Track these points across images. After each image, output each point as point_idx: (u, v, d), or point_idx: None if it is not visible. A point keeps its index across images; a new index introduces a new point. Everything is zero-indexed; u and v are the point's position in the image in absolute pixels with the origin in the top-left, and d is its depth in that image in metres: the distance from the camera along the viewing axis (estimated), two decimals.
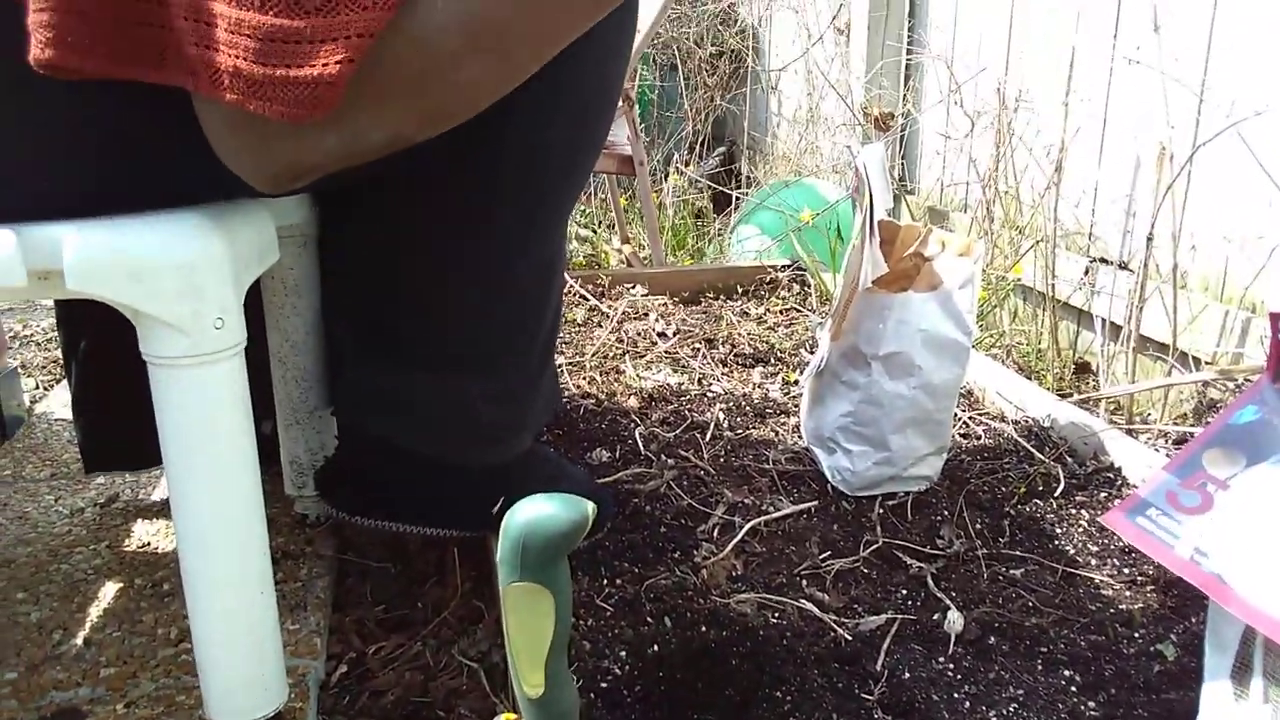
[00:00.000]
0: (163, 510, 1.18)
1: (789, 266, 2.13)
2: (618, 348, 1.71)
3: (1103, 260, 1.85)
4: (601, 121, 0.92)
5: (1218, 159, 1.58)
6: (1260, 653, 0.68)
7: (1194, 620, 0.97)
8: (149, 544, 1.10)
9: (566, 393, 1.50)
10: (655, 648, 0.90)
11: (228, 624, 0.74)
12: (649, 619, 0.96)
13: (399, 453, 0.98)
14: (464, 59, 0.62)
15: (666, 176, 2.97)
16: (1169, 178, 1.54)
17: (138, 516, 1.16)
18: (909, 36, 2.41)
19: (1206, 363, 1.60)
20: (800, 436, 1.35)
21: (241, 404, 0.71)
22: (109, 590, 1.01)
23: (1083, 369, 1.94)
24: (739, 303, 2.02)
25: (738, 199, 2.77)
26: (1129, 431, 1.36)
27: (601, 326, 1.81)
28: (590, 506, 0.48)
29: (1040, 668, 0.91)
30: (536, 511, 0.47)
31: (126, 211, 0.67)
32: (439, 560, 1.05)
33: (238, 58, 0.58)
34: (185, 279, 0.65)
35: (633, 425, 1.39)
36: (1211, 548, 0.69)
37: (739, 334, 1.80)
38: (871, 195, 1.11)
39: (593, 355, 1.66)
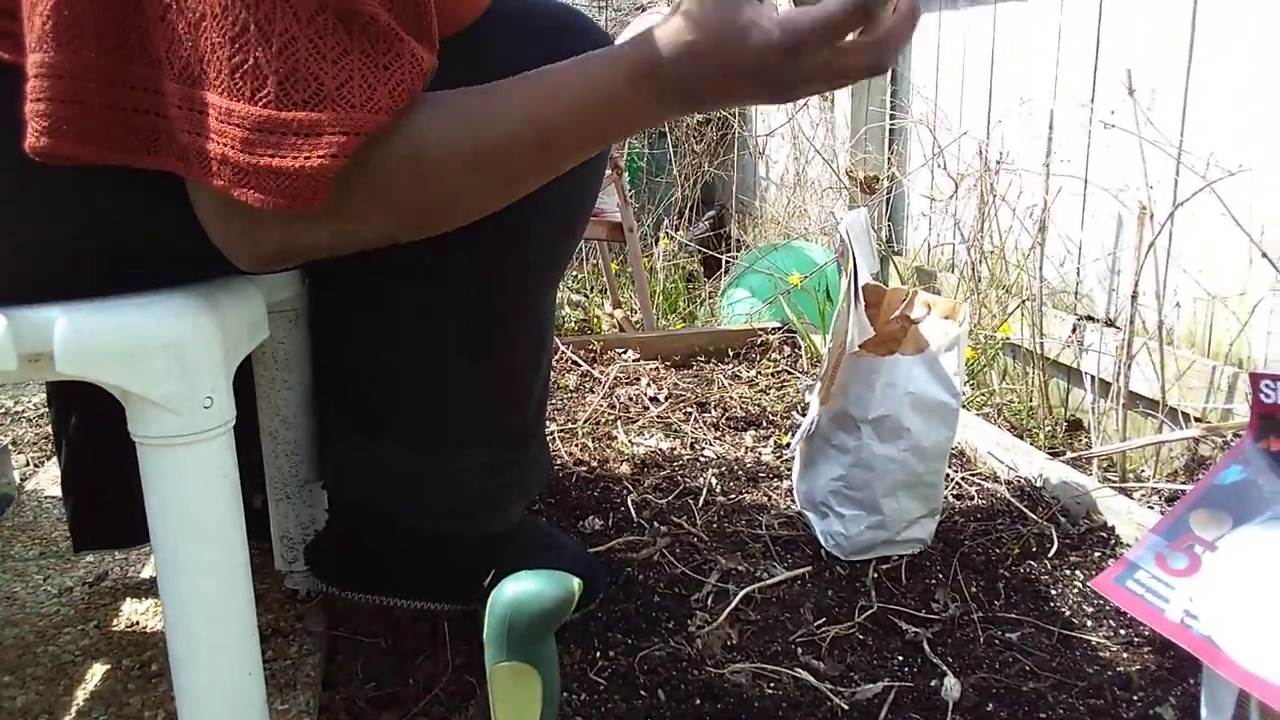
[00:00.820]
0: (152, 588, 1.17)
1: (779, 329, 2.15)
2: (610, 413, 1.71)
3: (1089, 318, 1.87)
4: (589, 194, 0.93)
5: (1198, 217, 1.61)
6: (1255, 715, 0.68)
7: (1192, 681, 0.96)
8: (138, 623, 1.09)
9: (559, 460, 1.50)
10: None
11: (215, 707, 0.73)
12: (643, 692, 0.95)
13: (390, 526, 0.98)
14: (463, 179, 0.64)
15: (657, 241, 3.00)
16: (1150, 236, 1.56)
17: (126, 595, 1.15)
18: (891, 102, 2.46)
19: (1196, 419, 1.61)
20: (793, 500, 1.35)
21: (230, 483, 0.71)
22: (96, 672, 1.00)
23: (1074, 426, 1.95)
24: (730, 366, 2.03)
25: (727, 262, 2.80)
26: (1121, 490, 1.36)
27: (594, 392, 1.82)
28: (576, 582, 0.48)
29: None
30: (521, 589, 0.47)
31: (116, 293, 0.68)
32: (431, 634, 1.04)
33: (226, 146, 0.59)
34: (174, 359, 0.66)
35: (625, 492, 1.39)
36: (1201, 610, 0.69)
37: (731, 397, 1.81)
38: (855, 261, 1.13)
39: (585, 422, 1.66)
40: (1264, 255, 1.47)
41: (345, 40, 0.59)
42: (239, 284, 0.77)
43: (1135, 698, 0.95)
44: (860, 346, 1.14)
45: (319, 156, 0.58)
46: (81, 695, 0.95)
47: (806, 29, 0.61)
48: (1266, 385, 0.75)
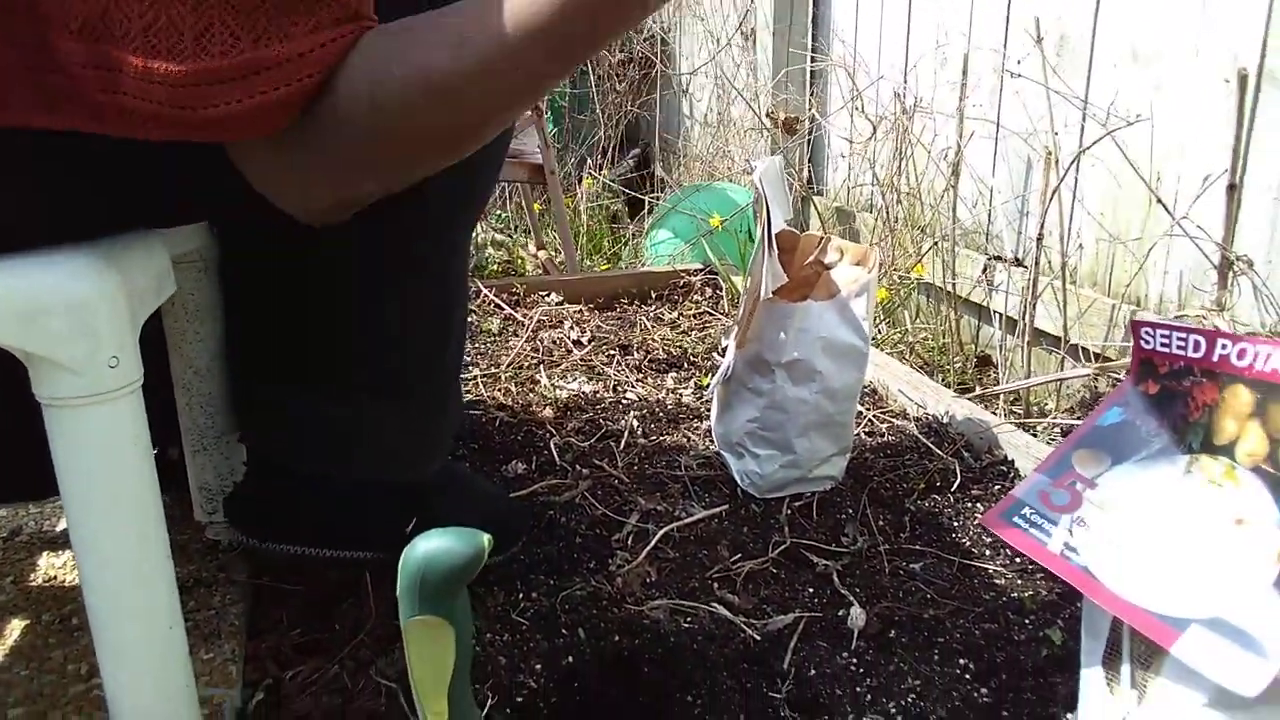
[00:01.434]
0: (68, 542, 1.16)
1: (701, 270, 2.17)
2: (533, 357, 1.72)
3: (999, 258, 1.93)
4: (494, 155, 0.94)
5: (1101, 163, 1.66)
6: (1127, 640, 0.73)
7: (1078, 606, 1.03)
8: (55, 577, 1.08)
9: (482, 405, 1.52)
10: (570, 659, 0.92)
11: (137, 659, 0.74)
12: (564, 631, 0.98)
13: (309, 478, 0.98)
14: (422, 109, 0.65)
15: (580, 181, 2.98)
16: (1055, 181, 1.62)
17: (43, 549, 1.14)
18: (813, 44, 2.47)
19: (1096, 354, 1.68)
20: (711, 441, 1.38)
21: (140, 442, 0.71)
22: (15, 627, 0.99)
23: (984, 362, 2.02)
24: (653, 308, 2.05)
25: (651, 203, 2.81)
26: (1022, 425, 1.43)
27: (517, 336, 1.83)
28: (485, 538, 0.50)
29: (937, 658, 0.96)
30: (432, 547, 0.49)
31: (14, 249, 0.67)
32: (354, 582, 1.06)
33: (154, 103, 0.59)
34: (77, 320, 0.65)
35: (548, 436, 1.41)
36: (1080, 543, 0.74)
37: (653, 339, 1.83)
38: (769, 208, 1.15)
39: (508, 366, 1.67)
40: (1158, 200, 1.53)
41: None
42: (142, 239, 0.76)
43: (1027, 621, 1.01)
44: (774, 292, 1.16)
45: (247, 100, 0.59)
46: (1, 650, 0.95)
47: None
48: (1146, 331, 0.79)
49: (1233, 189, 1.43)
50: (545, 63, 0.63)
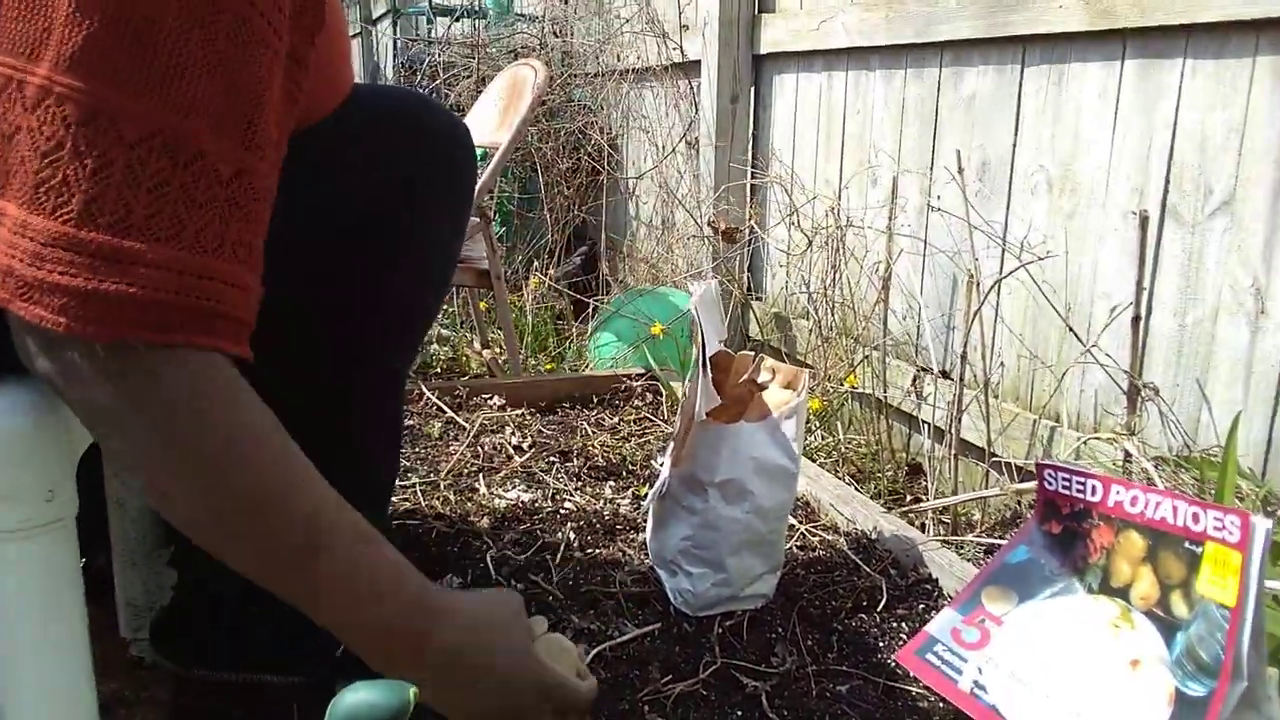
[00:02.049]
0: None
1: (643, 375, 2.21)
2: (473, 464, 1.74)
3: (926, 370, 2.00)
4: (433, 304, 0.99)
5: (1020, 289, 1.76)
6: None
7: None
8: None
9: (419, 514, 1.52)
10: None
11: None
12: None
13: (237, 601, 0.98)
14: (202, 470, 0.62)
15: (528, 279, 3.04)
16: (976, 303, 1.70)
17: None
18: (752, 160, 2.58)
19: (1019, 467, 1.75)
20: (646, 556, 1.40)
21: (70, 574, 0.72)
22: None
23: (915, 470, 2.08)
24: (594, 412, 2.08)
25: (595, 306, 2.86)
26: (946, 542, 1.47)
27: (458, 440, 1.84)
28: (412, 690, 0.51)
29: None
30: (359, 700, 0.50)
31: None
32: (284, 707, 1.05)
33: (14, 258, 0.57)
34: (14, 453, 0.66)
35: (485, 548, 1.42)
36: (989, 681, 0.77)
37: (593, 445, 1.86)
38: (704, 332, 1.20)
39: (447, 473, 1.68)
40: (1070, 329, 1.62)
41: (167, 170, 0.58)
42: None
43: None
44: (708, 414, 1.20)
45: (124, 284, 0.56)
46: None
47: None
48: (1049, 474, 0.84)
49: (1137, 320, 1.52)
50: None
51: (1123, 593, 0.76)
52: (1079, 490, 0.81)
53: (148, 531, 1.05)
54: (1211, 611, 0.69)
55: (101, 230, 0.56)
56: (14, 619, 0.70)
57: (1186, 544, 0.72)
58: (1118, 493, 0.78)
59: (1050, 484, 0.84)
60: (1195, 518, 0.72)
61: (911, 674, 1.16)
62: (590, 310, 2.89)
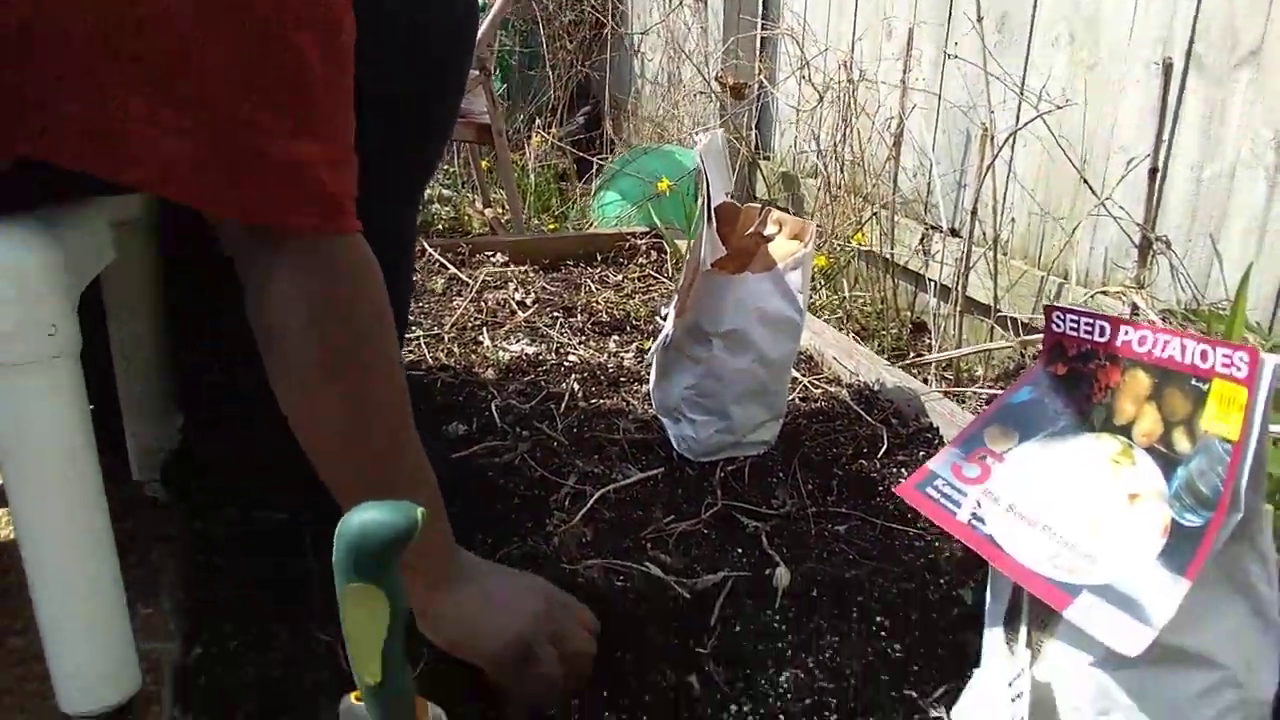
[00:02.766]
0: (3, 499, 1.16)
1: (648, 234, 2.19)
2: (477, 318, 1.74)
3: (935, 228, 1.98)
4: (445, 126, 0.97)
5: (1035, 141, 1.71)
6: (1026, 604, 0.79)
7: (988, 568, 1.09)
8: None
9: (424, 365, 1.53)
10: None
11: (74, 616, 0.75)
12: None
13: (246, 442, 1.00)
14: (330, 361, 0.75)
15: (529, 138, 2.97)
16: (990, 156, 1.66)
17: None
18: (763, 12, 2.48)
19: (1024, 324, 1.75)
20: (650, 405, 1.42)
21: (78, 405, 0.72)
22: None
23: (919, 329, 2.08)
24: (599, 270, 2.07)
25: (599, 164, 2.81)
26: (948, 394, 1.48)
27: (461, 296, 1.84)
28: (420, 511, 0.52)
29: (856, 616, 1.01)
30: (366, 518, 0.51)
31: None
32: (295, 541, 1.07)
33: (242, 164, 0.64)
34: (14, 289, 0.66)
35: (490, 398, 1.43)
36: (987, 514, 0.79)
37: (597, 302, 1.85)
38: (709, 182, 1.17)
39: (451, 327, 1.68)
40: (1085, 181, 1.58)
41: (335, 77, 0.67)
42: (81, 207, 0.76)
43: (941, 581, 1.07)
44: (712, 264, 1.19)
45: (336, 182, 0.67)
46: None
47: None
48: (1058, 316, 0.84)
49: (1154, 172, 1.48)
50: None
51: (1125, 430, 0.77)
52: (1087, 331, 0.81)
53: (154, 381, 1.06)
54: (1214, 446, 0.70)
55: (318, 138, 0.66)
56: (25, 451, 0.71)
57: (1193, 381, 0.72)
58: (1125, 333, 0.78)
59: (1058, 326, 0.83)
60: (1203, 355, 0.72)
61: (910, 511, 1.19)
62: (594, 169, 2.84)
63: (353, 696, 0.79)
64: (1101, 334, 0.80)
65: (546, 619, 0.85)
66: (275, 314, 0.72)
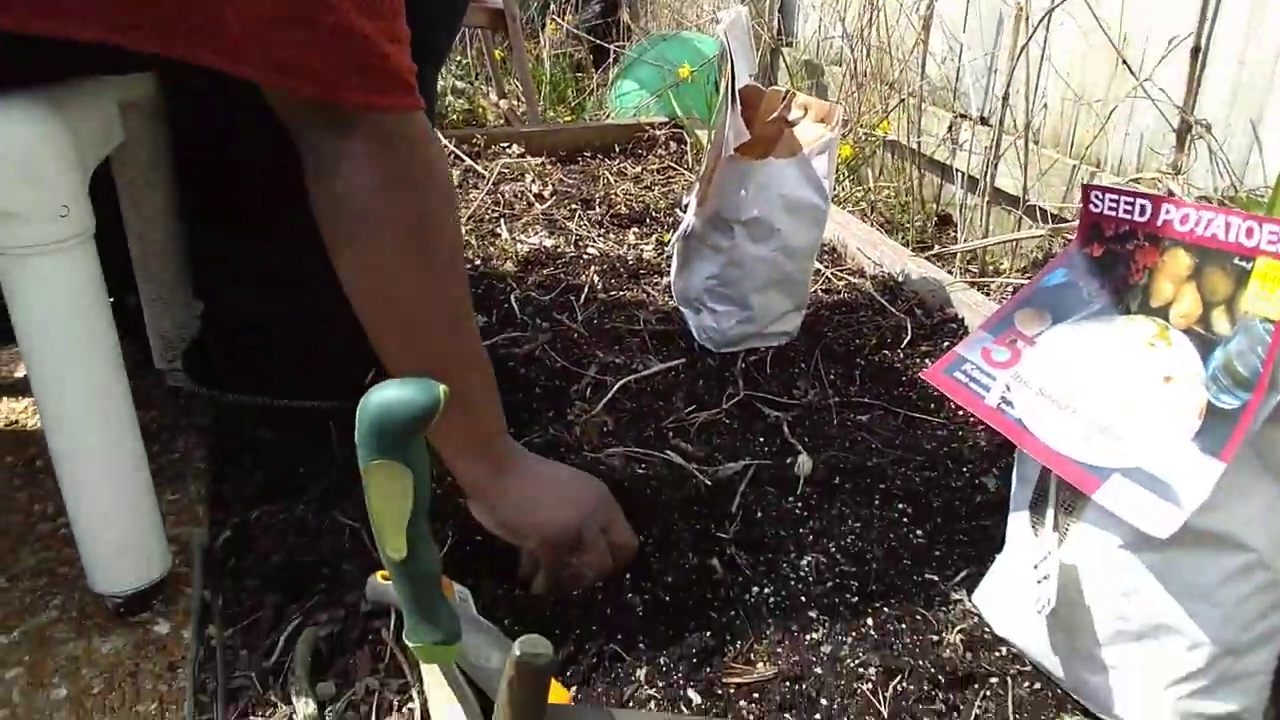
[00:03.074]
0: (27, 387, 1.16)
1: (667, 124, 2.13)
2: (494, 210, 1.71)
3: (964, 116, 1.91)
4: None
5: (1071, 22, 1.64)
6: (1054, 487, 0.78)
7: (1014, 456, 1.08)
8: (16, 421, 1.09)
9: None
10: None
11: (102, 500, 0.76)
12: None
13: (264, 330, 0.99)
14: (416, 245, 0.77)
15: (544, 27, 2.88)
16: (1024, 38, 1.59)
17: (1, 395, 1.15)
18: None
19: (1053, 215, 1.70)
20: (671, 296, 1.40)
21: (95, 288, 0.71)
22: None
23: (945, 221, 2.04)
24: (617, 162, 2.03)
25: (616, 53, 2.72)
26: (974, 284, 1.46)
27: (477, 188, 1.80)
28: (442, 389, 0.51)
29: (878, 503, 1.01)
30: (389, 395, 0.50)
31: None
32: (318, 429, 1.08)
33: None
34: (24, 168, 0.64)
35: (509, 289, 1.41)
36: (1016, 397, 0.77)
37: (616, 194, 1.82)
38: (734, 63, 1.13)
39: (468, 219, 1.66)
40: (1123, 61, 1.52)
41: None
42: (88, 86, 0.74)
43: (964, 469, 1.07)
44: (736, 150, 1.16)
45: (401, 59, 0.68)
46: None
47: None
48: (1096, 195, 0.81)
49: (1196, 52, 1.42)
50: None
51: (1162, 312, 0.74)
52: (1126, 211, 0.78)
53: (171, 264, 1.05)
54: (1254, 327, 0.68)
55: (378, 15, 0.66)
56: (44, 335, 0.70)
57: (1236, 260, 0.70)
58: (1167, 211, 0.75)
59: (1096, 205, 0.80)
60: (1249, 232, 0.69)
61: (934, 401, 1.18)
62: (611, 58, 2.75)
63: (379, 576, 0.80)
64: (1142, 213, 0.77)
65: (602, 510, 0.87)
66: (349, 185, 0.72)
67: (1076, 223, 1.56)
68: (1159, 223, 0.76)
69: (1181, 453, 0.68)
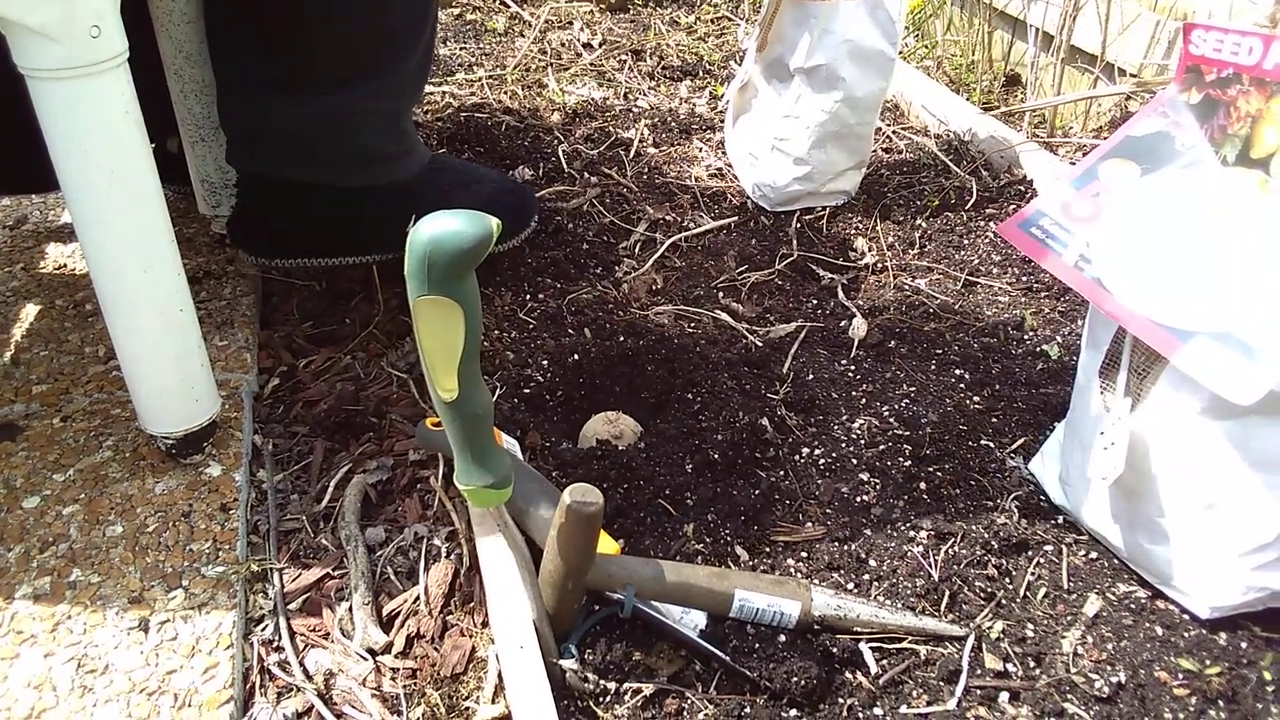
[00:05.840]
0: (75, 233, 1.16)
1: None
2: (540, 60, 1.64)
3: None
4: None
5: None
6: (1128, 351, 0.74)
7: (1080, 324, 1.04)
8: (65, 265, 1.09)
9: (487, 108, 1.46)
10: (575, 356, 0.94)
11: (150, 341, 0.75)
12: (570, 330, 0.99)
13: (302, 190, 0.96)
14: None
15: None
16: None
17: (49, 239, 1.14)
18: None
19: (1131, 74, 1.60)
20: (724, 153, 1.34)
21: (132, 118, 0.68)
22: (30, 312, 1.01)
23: (1013, 81, 1.92)
24: (669, 10, 1.93)
25: None
26: (1045, 144, 1.38)
27: (523, 36, 1.73)
28: (494, 222, 0.48)
29: (934, 367, 0.98)
30: (440, 228, 0.47)
31: None
32: (363, 279, 1.06)
33: None
34: None
35: (556, 142, 1.37)
36: (1095, 254, 0.73)
37: (667, 45, 1.74)
38: None
39: (514, 69, 1.59)
40: None
41: None
42: None
43: (1026, 337, 1.03)
44: None
45: None
46: (19, 332, 0.97)
47: None
48: (1198, 35, 0.74)
49: None
50: None
51: (1263, 164, 0.69)
52: (1232, 52, 0.71)
53: (210, 102, 1.01)
54: None
55: None
56: (80, 165, 0.67)
57: None
58: (1278, 52, 0.68)
59: (1197, 46, 0.73)
60: None
61: (996, 266, 1.13)
62: None
63: (428, 422, 0.79)
64: (1249, 54, 0.70)
65: None
66: None
67: (1163, 79, 1.46)
68: (1268, 65, 0.69)
69: (1277, 315, 0.64)
